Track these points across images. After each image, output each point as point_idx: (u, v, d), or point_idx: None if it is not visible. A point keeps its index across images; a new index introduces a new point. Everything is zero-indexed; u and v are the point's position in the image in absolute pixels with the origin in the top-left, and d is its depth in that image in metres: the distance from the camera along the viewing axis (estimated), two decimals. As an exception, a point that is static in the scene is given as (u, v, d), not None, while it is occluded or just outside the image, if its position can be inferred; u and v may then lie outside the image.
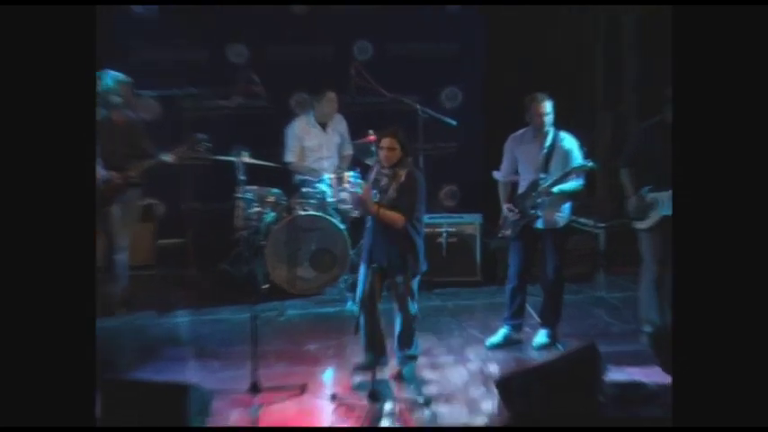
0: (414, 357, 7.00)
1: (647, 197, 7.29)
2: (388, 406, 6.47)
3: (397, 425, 6.22)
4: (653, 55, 9.83)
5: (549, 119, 7.37)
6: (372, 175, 6.85)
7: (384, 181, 6.71)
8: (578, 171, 7.38)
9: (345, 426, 6.20)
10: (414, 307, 6.87)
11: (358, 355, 7.06)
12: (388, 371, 6.97)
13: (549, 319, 7.63)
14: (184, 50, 10.03)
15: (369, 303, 6.75)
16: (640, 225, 7.40)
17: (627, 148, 7.90)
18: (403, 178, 6.70)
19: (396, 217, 6.64)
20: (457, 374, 7.08)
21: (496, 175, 7.71)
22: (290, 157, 9.40)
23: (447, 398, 6.62)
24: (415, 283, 6.86)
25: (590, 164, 7.38)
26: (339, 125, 9.59)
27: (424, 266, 6.86)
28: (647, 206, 7.29)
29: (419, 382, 6.87)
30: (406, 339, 6.94)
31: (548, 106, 7.36)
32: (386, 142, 6.73)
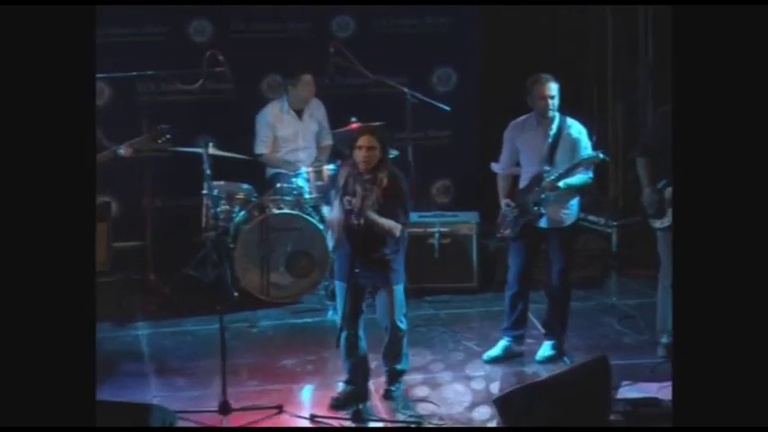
0: (403, 372, 7.11)
1: (664, 191, 7.39)
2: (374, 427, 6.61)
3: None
4: (669, 38, 9.92)
5: (554, 103, 7.42)
6: (342, 180, 6.77)
7: (363, 187, 6.65)
8: (587, 163, 7.45)
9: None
10: (402, 321, 6.92)
11: (340, 373, 7.14)
12: (374, 389, 7.07)
13: (555, 329, 7.73)
14: (140, 26, 10.05)
15: (352, 323, 6.82)
16: (658, 224, 7.50)
17: (643, 135, 8.02)
18: (386, 182, 6.68)
19: (394, 225, 6.67)
20: (451, 392, 7.20)
21: (495, 167, 7.77)
22: (262, 148, 9.44)
23: (441, 418, 6.75)
24: (400, 293, 6.92)
25: (601, 155, 7.46)
26: (317, 111, 9.62)
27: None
28: (665, 202, 7.38)
29: (409, 401, 7.00)
30: (393, 355, 7.02)
31: (553, 88, 7.41)
32: (364, 141, 6.65)
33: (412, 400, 7.03)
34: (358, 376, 6.89)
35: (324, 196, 8.44)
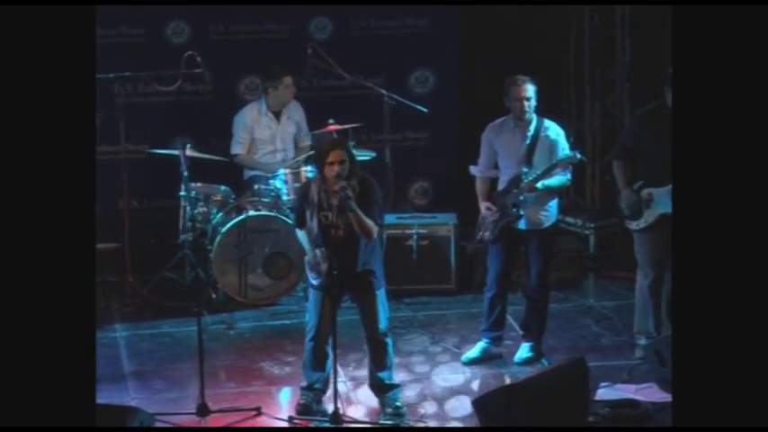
0: (390, 387, 6.92)
1: (641, 192, 7.45)
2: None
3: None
4: (646, 40, 9.97)
5: (531, 104, 7.45)
6: (315, 195, 6.77)
7: (335, 199, 6.64)
8: (565, 164, 7.48)
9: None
10: (384, 323, 6.87)
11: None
12: (365, 402, 7.04)
13: (533, 330, 7.75)
14: (118, 27, 10.03)
15: (324, 335, 6.78)
16: (635, 225, 7.55)
17: (620, 137, 8.07)
18: (358, 188, 6.68)
19: (373, 225, 6.68)
20: (429, 393, 7.24)
21: (473, 169, 7.80)
22: (238, 148, 9.45)
23: (419, 419, 6.79)
24: (383, 297, 6.89)
25: (578, 156, 7.50)
26: (295, 113, 9.64)
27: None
28: (642, 203, 7.44)
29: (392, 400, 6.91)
30: (379, 360, 6.90)
31: (530, 90, 7.44)
32: (336, 156, 6.63)
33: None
34: (317, 393, 6.87)
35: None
